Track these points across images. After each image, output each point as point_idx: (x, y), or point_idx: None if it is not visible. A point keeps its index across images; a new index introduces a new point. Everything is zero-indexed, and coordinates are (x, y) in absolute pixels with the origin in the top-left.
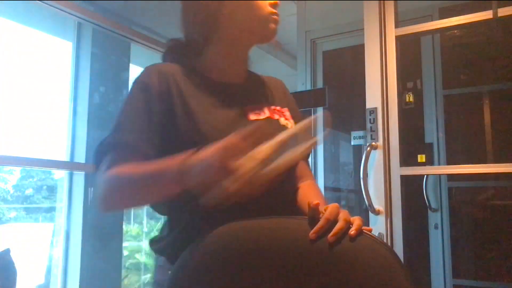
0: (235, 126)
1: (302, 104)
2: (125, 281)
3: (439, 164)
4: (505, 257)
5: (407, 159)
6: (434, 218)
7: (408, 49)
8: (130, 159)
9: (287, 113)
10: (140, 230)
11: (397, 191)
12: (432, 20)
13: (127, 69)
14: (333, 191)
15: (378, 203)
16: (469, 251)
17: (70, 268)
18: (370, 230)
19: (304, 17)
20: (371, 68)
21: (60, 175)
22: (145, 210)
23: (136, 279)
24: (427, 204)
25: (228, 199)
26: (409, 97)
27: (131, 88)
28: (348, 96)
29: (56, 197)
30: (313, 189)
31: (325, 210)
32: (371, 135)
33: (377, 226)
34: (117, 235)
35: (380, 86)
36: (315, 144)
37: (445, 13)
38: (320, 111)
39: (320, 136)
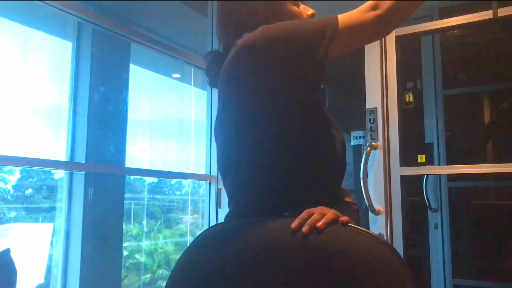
0: None
1: None
2: (125, 281)
3: (439, 164)
4: (505, 257)
5: (407, 159)
6: (434, 218)
7: (408, 49)
8: None
9: None
10: (140, 230)
11: (397, 191)
12: (432, 20)
13: (127, 69)
14: None
15: (378, 203)
16: (469, 251)
17: (70, 268)
18: (347, 221)
19: None
20: (371, 68)
21: (60, 175)
22: (145, 210)
23: (136, 279)
24: (427, 204)
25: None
26: (409, 97)
27: None
28: (348, 96)
29: (56, 197)
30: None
31: None
32: (371, 135)
33: (377, 226)
34: (117, 235)
35: (380, 86)
36: None
37: (445, 13)
38: None
39: None
